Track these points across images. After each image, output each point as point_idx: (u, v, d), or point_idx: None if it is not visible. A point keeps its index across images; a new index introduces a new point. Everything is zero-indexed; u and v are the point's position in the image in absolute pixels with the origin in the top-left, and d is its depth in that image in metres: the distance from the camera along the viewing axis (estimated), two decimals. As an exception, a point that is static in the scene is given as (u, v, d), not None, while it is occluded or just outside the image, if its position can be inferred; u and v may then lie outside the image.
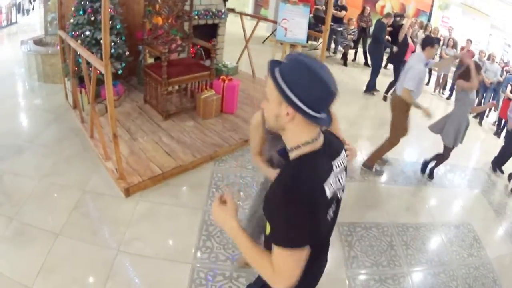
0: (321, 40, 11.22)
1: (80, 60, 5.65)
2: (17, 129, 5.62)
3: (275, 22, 7.58)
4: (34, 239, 3.70)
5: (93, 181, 4.67)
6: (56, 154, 5.03)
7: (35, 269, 3.37)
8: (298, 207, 1.29)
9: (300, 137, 1.39)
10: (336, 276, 3.82)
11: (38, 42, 7.47)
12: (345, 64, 11.30)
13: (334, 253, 4.01)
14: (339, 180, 1.50)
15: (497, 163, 6.50)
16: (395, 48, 9.23)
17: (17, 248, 3.59)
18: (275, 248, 1.36)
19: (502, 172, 6.47)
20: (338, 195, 1.55)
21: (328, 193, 1.38)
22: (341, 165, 1.52)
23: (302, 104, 1.29)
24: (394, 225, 4.66)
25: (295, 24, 6.23)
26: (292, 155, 1.43)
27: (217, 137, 5.55)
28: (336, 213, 1.60)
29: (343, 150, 1.58)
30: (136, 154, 4.94)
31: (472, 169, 6.72)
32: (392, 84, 8.36)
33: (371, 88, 9.09)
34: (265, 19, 8.63)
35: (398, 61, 8.57)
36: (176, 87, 5.90)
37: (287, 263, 1.36)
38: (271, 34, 11.44)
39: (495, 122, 9.29)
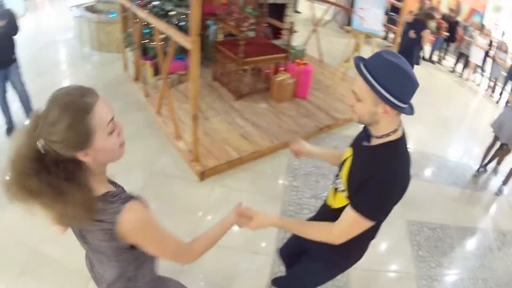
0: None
1: (147, 31, 5.28)
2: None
3: (346, 9, 7.08)
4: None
5: (162, 161, 4.34)
6: (116, 130, 4.67)
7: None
8: (394, 188, 1.51)
9: (390, 127, 1.53)
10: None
11: (90, 8, 7.10)
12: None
13: (403, 250, 3.75)
14: None
15: None
16: None
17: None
18: (351, 212, 1.57)
19: None
20: None
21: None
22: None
23: (398, 101, 1.42)
24: (456, 227, 4.25)
25: (371, 14, 5.85)
26: (378, 141, 1.58)
27: (293, 122, 5.18)
28: None
29: None
30: (209, 135, 4.60)
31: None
32: None
33: None
34: (337, 5, 8.12)
35: None
36: (250, 67, 5.55)
37: (353, 227, 1.60)
38: (332, 19, 10.99)
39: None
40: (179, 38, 3.74)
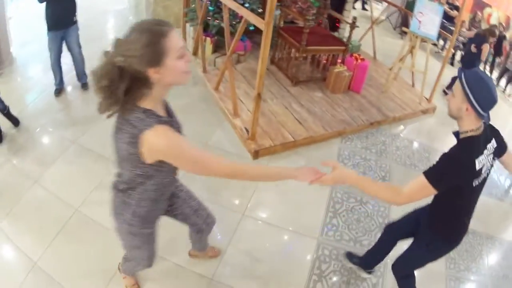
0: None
1: (211, 8, 5.37)
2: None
3: (406, 11, 7.04)
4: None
5: (217, 136, 4.45)
6: (173, 101, 4.70)
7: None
8: (453, 164, 1.91)
9: (470, 126, 1.95)
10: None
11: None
12: (451, 63, 10.68)
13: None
14: (488, 160, 2.01)
15: None
16: None
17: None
18: (421, 177, 1.93)
19: None
20: (486, 172, 2.03)
21: (477, 166, 1.91)
22: (491, 149, 2.03)
23: (478, 106, 1.85)
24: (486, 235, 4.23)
25: (429, 19, 5.88)
26: (461, 136, 1.99)
27: (346, 114, 5.25)
28: (481, 185, 2.08)
29: (493, 139, 2.07)
30: (266, 116, 4.71)
31: None
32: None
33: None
34: (396, 6, 8.07)
35: None
36: (310, 55, 5.61)
37: (418, 189, 1.94)
38: (386, 18, 10.93)
39: None
40: (252, 18, 3.83)
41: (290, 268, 3.19)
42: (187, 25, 6.08)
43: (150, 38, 1.38)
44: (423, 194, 1.95)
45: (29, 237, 3.06)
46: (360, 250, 3.31)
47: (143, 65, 1.40)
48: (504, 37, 10.16)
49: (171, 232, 2.78)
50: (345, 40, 6.75)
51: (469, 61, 6.75)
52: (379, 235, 3.03)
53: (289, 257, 3.28)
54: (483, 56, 6.74)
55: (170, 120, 1.72)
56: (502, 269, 3.89)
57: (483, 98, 1.85)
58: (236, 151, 4.27)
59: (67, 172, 3.75)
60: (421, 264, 2.57)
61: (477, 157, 1.91)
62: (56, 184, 3.57)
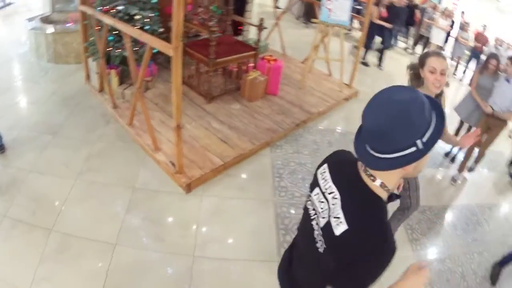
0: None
1: (111, 38, 5.03)
2: (33, 119, 4.82)
3: (312, 1, 7.04)
4: (85, 253, 3.13)
5: (142, 176, 4.13)
6: (87, 147, 4.38)
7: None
8: None
9: None
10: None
11: (45, 20, 6.71)
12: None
13: (397, 235, 3.65)
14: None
15: None
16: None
17: (65, 266, 3.02)
18: None
19: None
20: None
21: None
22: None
23: None
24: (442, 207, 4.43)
25: (339, 5, 5.85)
26: None
27: (269, 121, 5.11)
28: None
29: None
30: (188, 142, 4.45)
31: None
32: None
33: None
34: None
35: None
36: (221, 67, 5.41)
37: None
38: (287, 10, 10.91)
39: None
40: (158, 45, 3.54)
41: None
42: (89, 60, 5.66)
43: None
44: None
45: None
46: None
47: None
48: (416, 6, 10.57)
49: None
50: (252, 42, 6.66)
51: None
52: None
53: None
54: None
55: None
56: (469, 234, 4.03)
57: None
58: (168, 188, 3.94)
59: (6, 251, 3.18)
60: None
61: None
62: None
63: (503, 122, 4.77)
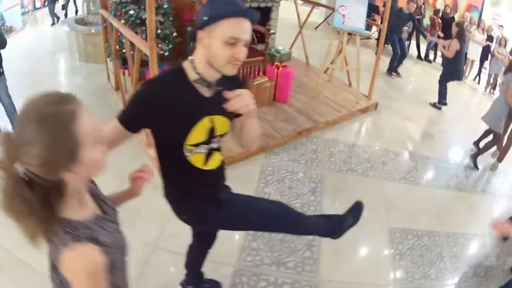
0: (374, 28, 10.64)
1: (123, 40, 5.32)
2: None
3: (330, 8, 7.02)
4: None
5: (132, 169, 4.23)
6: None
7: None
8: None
9: None
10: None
11: (80, 21, 7.22)
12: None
13: (381, 259, 3.57)
14: None
15: None
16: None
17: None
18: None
19: None
20: None
21: None
22: None
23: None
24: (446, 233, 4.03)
25: (353, 11, 5.76)
26: None
27: (269, 127, 5.08)
28: None
29: None
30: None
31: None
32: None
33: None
34: (320, 5, 8.09)
35: None
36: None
37: None
38: (324, 21, 10.92)
39: None
40: (139, 44, 3.73)
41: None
42: (108, 60, 6.02)
43: (53, 130, 0.98)
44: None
45: None
46: (285, 274, 3.19)
47: (52, 171, 1.01)
48: (453, 18, 10.16)
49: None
50: (274, 51, 6.72)
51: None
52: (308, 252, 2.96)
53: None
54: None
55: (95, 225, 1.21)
56: (471, 268, 3.66)
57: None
58: (155, 183, 4.10)
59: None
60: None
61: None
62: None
63: None
